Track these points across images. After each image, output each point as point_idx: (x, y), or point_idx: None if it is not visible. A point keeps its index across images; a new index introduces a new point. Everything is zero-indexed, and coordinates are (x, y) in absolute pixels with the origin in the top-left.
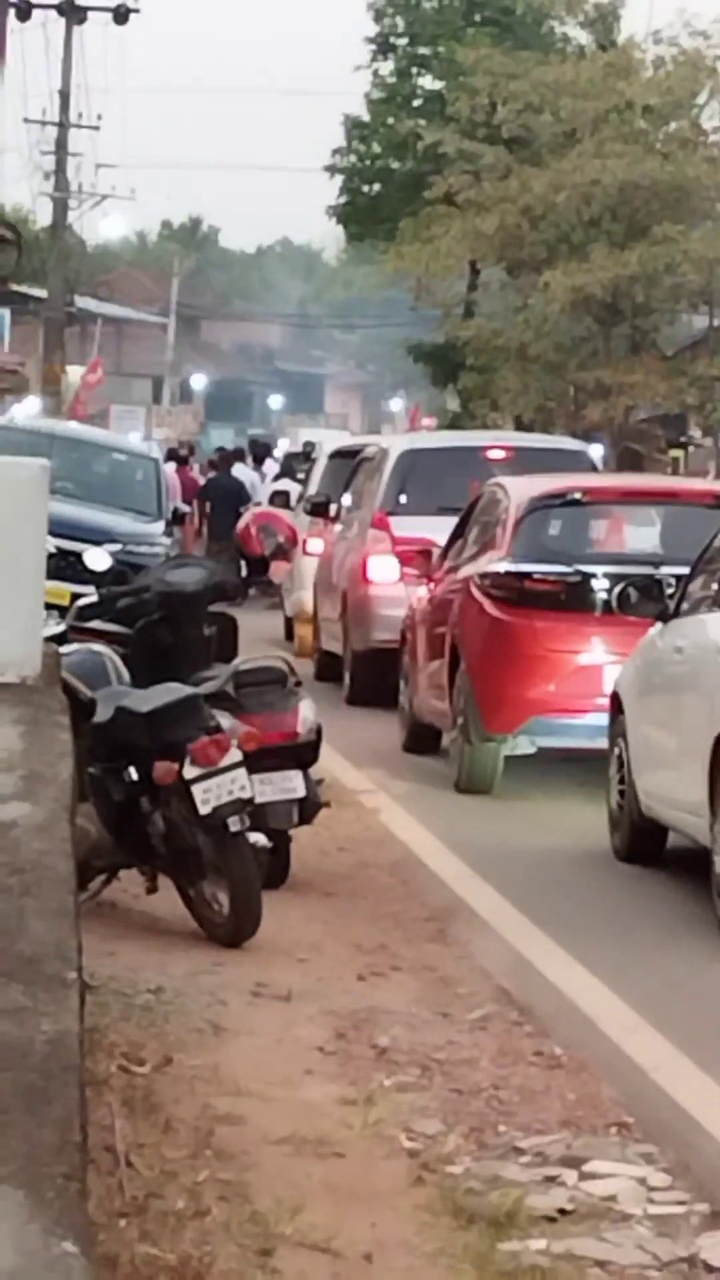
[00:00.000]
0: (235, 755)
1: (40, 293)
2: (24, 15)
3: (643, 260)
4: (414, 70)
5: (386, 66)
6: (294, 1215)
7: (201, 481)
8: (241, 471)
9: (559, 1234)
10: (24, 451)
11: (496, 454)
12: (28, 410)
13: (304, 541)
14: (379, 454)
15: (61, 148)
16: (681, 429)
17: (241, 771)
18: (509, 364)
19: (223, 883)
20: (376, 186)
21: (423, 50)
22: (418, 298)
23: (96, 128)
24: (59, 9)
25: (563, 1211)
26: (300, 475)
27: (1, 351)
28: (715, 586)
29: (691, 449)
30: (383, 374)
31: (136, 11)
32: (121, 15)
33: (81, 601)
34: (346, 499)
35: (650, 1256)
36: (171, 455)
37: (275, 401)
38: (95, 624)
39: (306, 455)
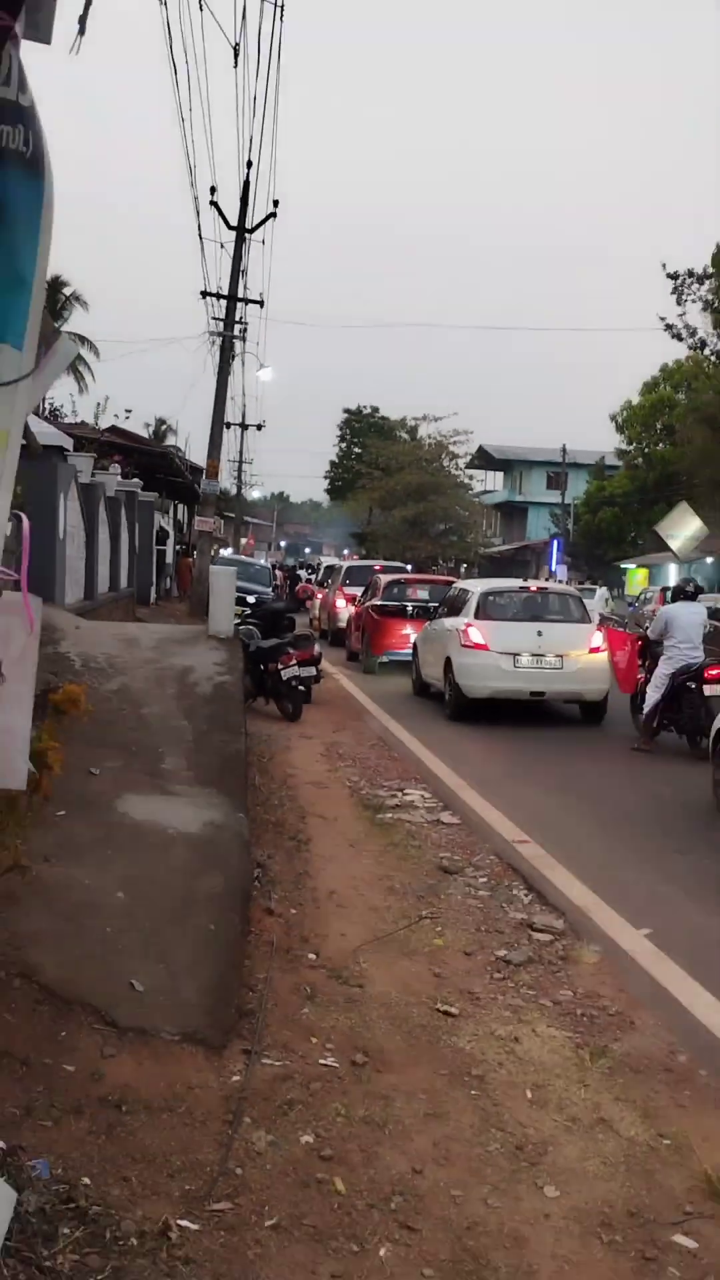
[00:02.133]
0: (294, 662)
1: (230, 515)
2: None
3: (423, 508)
4: (354, 448)
5: (342, 447)
6: (312, 805)
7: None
8: (302, 572)
9: (395, 811)
10: (229, 564)
11: (378, 567)
12: (226, 552)
13: (317, 595)
14: (339, 566)
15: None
16: (437, 560)
17: (296, 666)
18: (382, 539)
19: (288, 701)
20: (340, 483)
21: (356, 443)
22: (356, 518)
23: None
24: (259, 303)
25: (396, 805)
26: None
27: (220, 529)
28: (444, 610)
29: (441, 567)
30: (342, 541)
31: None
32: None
33: (244, 611)
34: (329, 579)
35: (425, 817)
36: (278, 566)
37: (307, 549)
38: (249, 620)
39: (314, 567)
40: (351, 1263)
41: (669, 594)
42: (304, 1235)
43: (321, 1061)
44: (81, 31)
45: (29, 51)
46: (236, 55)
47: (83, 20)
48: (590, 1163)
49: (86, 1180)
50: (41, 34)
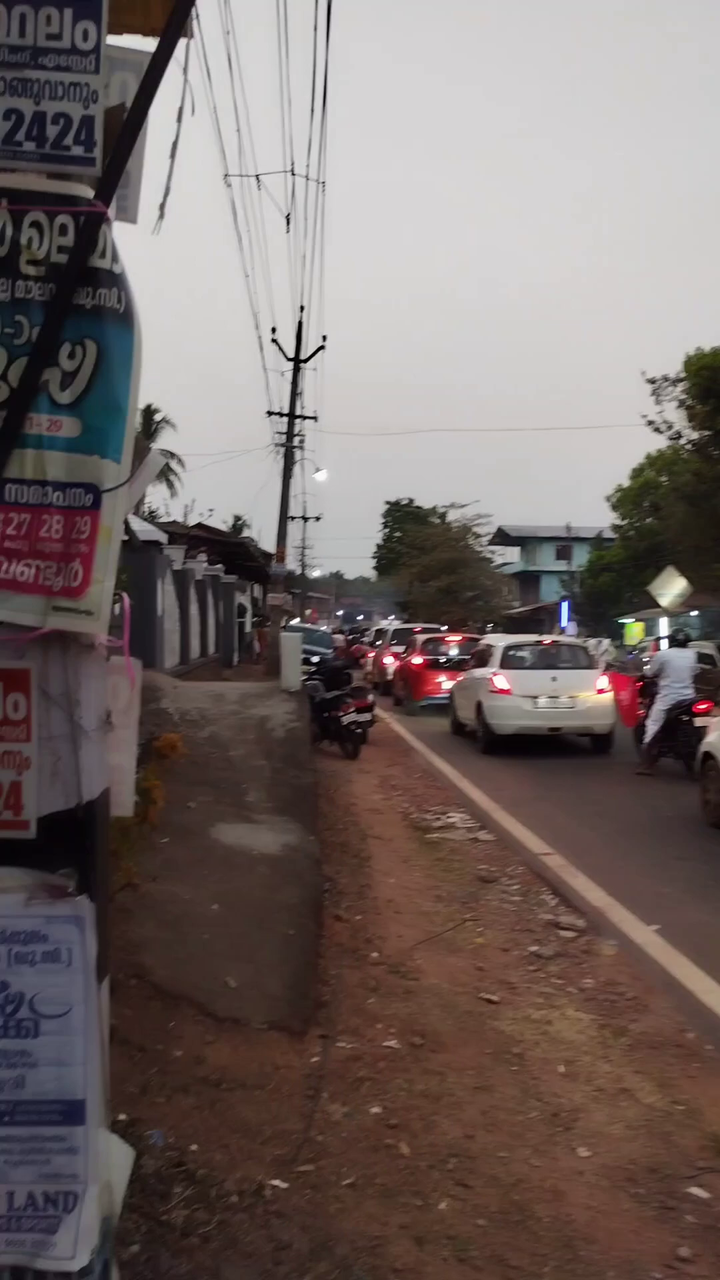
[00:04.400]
0: (352, 710)
1: (296, 591)
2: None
3: (454, 579)
4: (395, 532)
5: (385, 531)
6: (371, 828)
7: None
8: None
9: (441, 832)
10: (296, 632)
11: (417, 629)
12: (294, 623)
13: (369, 654)
14: (387, 628)
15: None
16: (466, 621)
17: (355, 712)
18: (421, 606)
19: (348, 742)
20: (384, 561)
21: (397, 529)
22: (399, 589)
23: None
24: (313, 418)
25: (441, 826)
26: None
27: (289, 603)
28: (473, 663)
29: (468, 625)
30: (389, 609)
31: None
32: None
33: (310, 669)
34: (378, 640)
35: (465, 836)
36: (337, 631)
37: (360, 617)
38: (315, 676)
39: (365, 630)
40: (416, 1215)
41: (663, 643)
42: (376, 1192)
43: (385, 1044)
44: (161, 216)
45: (121, 230)
46: (288, 222)
47: (162, 207)
48: (615, 1126)
49: (194, 1147)
50: (129, 216)
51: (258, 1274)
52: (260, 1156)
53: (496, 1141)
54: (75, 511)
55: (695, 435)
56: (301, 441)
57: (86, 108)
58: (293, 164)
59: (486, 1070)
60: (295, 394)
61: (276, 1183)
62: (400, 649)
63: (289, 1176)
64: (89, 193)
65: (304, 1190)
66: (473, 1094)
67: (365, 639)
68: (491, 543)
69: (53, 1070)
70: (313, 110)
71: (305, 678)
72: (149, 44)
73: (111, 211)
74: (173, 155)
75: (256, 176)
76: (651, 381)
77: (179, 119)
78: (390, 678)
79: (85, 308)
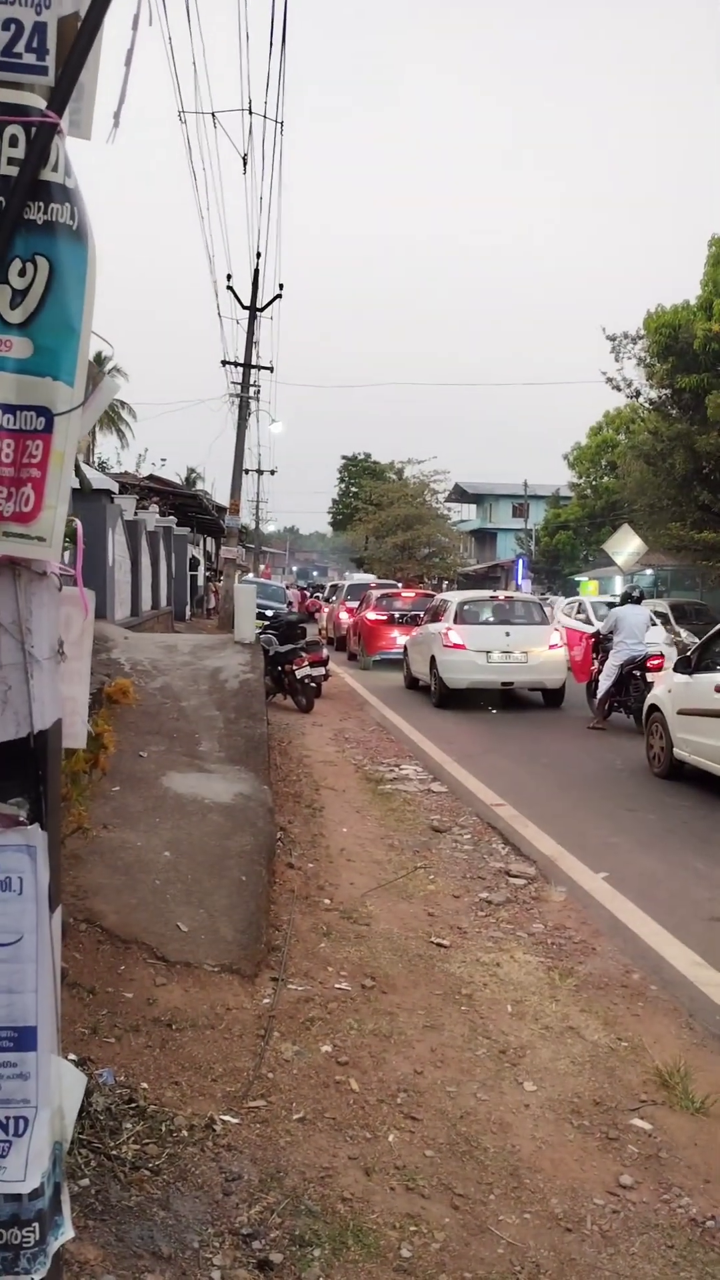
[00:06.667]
0: (306, 664)
1: (250, 545)
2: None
3: (410, 536)
4: (351, 487)
5: (342, 486)
6: (324, 779)
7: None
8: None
9: (394, 783)
10: (251, 585)
11: (372, 584)
12: (249, 578)
13: (323, 608)
14: (343, 584)
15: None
16: (422, 578)
17: (309, 666)
18: (377, 563)
19: (303, 696)
20: (341, 516)
21: (353, 484)
22: (355, 546)
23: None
24: (269, 369)
25: (394, 778)
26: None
27: (242, 557)
28: (427, 618)
29: (423, 582)
30: (344, 564)
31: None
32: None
33: (264, 623)
34: (333, 595)
35: (418, 787)
36: (291, 587)
37: (315, 573)
38: (269, 630)
39: (324, 586)
40: (365, 1147)
41: (619, 600)
42: (325, 1126)
43: (337, 986)
44: (116, 124)
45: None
46: (245, 163)
47: (117, 115)
48: (561, 1062)
49: (144, 1085)
50: (82, 131)
51: (208, 1204)
52: (211, 1093)
53: (445, 1077)
54: (27, 435)
55: (654, 394)
56: (257, 392)
57: (39, 13)
58: (250, 102)
59: (436, 1010)
60: (251, 343)
61: (227, 1118)
62: (352, 603)
63: (240, 1112)
64: (41, 103)
65: (254, 1125)
66: (422, 1033)
67: (320, 594)
68: (448, 499)
69: (3, 997)
70: (271, 45)
71: (259, 631)
72: None
73: (64, 124)
74: (128, 63)
75: (213, 114)
76: (612, 339)
77: (134, 26)
78: (345, 633)
79: (36, 223)
